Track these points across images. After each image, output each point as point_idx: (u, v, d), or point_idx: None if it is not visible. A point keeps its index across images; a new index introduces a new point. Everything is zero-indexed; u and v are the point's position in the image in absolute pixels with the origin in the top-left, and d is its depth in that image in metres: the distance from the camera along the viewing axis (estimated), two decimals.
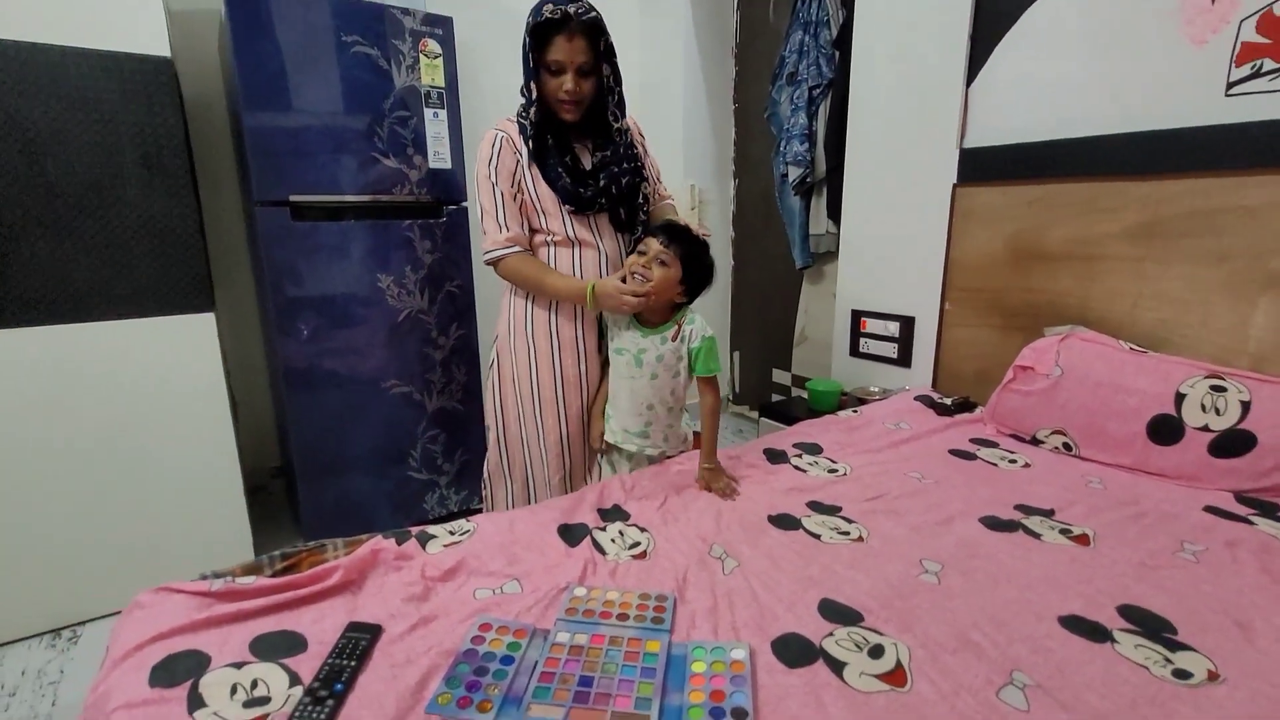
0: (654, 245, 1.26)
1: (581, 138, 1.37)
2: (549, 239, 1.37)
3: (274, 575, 0.93)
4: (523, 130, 1.32)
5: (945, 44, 1.75)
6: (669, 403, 1.37)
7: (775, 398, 2.95)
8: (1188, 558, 1.02)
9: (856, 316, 2.11)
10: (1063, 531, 1.11)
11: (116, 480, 1.55)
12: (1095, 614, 0.88)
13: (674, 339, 1.31)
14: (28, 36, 1.32)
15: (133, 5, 1.40)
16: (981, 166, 1.74)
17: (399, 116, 1.75)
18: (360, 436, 1.84)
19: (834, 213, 2.37)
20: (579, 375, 1.43)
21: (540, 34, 1.22)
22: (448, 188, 1.86)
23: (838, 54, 2.27)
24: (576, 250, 1.38)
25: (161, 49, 1.45)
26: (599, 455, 1.49)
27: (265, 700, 0.71)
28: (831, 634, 0.84)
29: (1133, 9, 1.44)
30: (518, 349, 1.42)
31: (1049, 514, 1.18)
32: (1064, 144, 1.57)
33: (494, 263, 1.36)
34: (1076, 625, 0.86)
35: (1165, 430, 1.31)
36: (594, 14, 1.23)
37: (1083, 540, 1.08)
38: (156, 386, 1.56)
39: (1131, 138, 1.46)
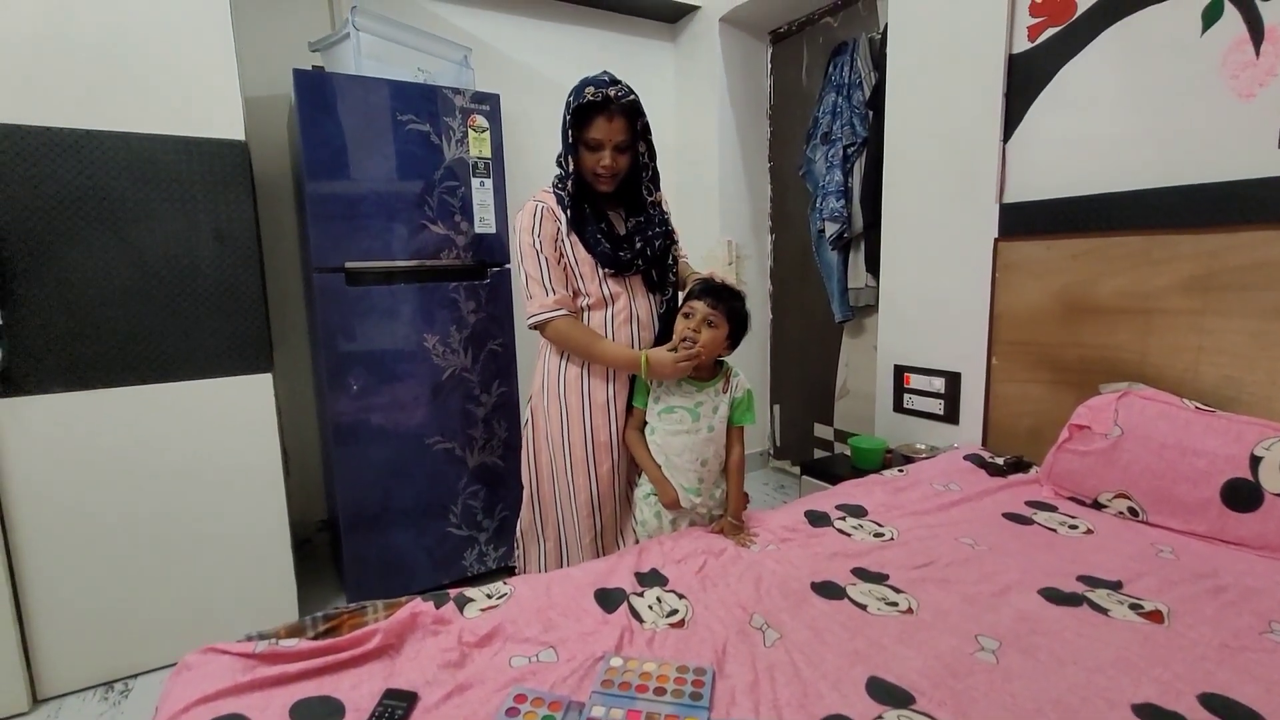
0: (701, 308, 1.30)
1: (615, 207, 1.44)
2: (585, 301, 1.41)
3: (316, 637, 0.94)
4: (560, 200, 1.38)
5: (979, 103, 1.77)
6: (721, 456, 1.40)
7: (817, 453, 2.88)
8: (1278, 639, 0.93)
9: (899, 372, 2.07)
10: (1133, 607, 1.03)
11: (171, 536, 1.61)
12: (1173, 703, 0.81)
13: (724, 390, 1.37)
14: (123, 127, 1.47)
15: (214, 96, 1.55)
16: (1023, 221, 1.72)
17: (448, 186, 1.85)
18: (404, 492, 1.87)
19: (872, 266, 2.37)
20: (610, 437, 1.43)
21: (581, 114, 1.29)
22: (492, 250, 1.94)
23: (871, 113, 2.31)
24: (609, 311, 1.41)
25: (237, 133, 1.58)
26: (633, 519, 1.48)
27: None
28: (880, 717, 0.79)
29: (1171, 66, 1.43)
30: (550, 409, 1.44)
31: (1116, 586, 1.10)
32: (1109, 198, 1.54)
33: (540, 326, 1.39)
34: (1154, 716, 0.79)
35: (1242, 496, 1.22)
36: (632, 97, 1.31)
37: (1156, 617, 1.00)
38: (215, 444, 1.63)
39: (1180, 191, 1.43)
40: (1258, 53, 1.30)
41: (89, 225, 1.46)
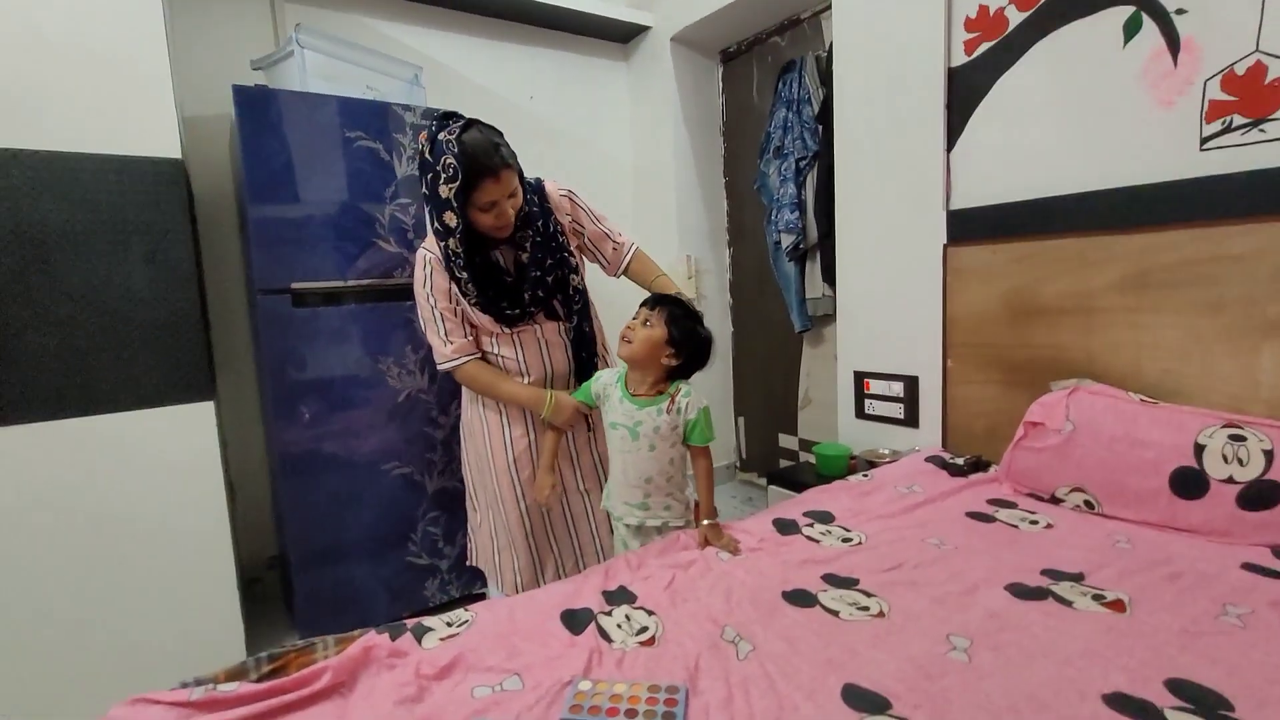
0: (641, 312, 1.35)
1: (505, 243, 1.43)
2: (491, 338, 1.48)
3: (260, 679, 0.87)
4: (446, 260, 1.37)
5: (922, 116, 1.83)
6: (668, 472, 1.36)
7: (783, 463, 2.89)
8: (1233, 622, 0.96)
9: (859, 378, 2.09)
10: (1095, 597, 1.04)
11: (106, 578, 1.50)
12: (1142, 690, 0.81)
13: (668, 411, 1.33)
14: (47, 146, 1.39)
15: (147, 114, 1.48)
16: (969, 227, 1.77)
17: (400, 204, 1.81)
18: (359, 522, 1.79)
19: (828, 276, 2.41)
20: (529, 446, 1.52)
21: (469, 181, 1.26)
22: None
23: (820, 127, 2.37)
24: (516, 339, 1.47)
25: (173, 151, 1.51)
26: (612, 528, 1.46)
27: None
28: None
29: (1097, 77, 1.50)
30: (473, 423, 1.56)
31: (1079, 578, 1.12)
32: (1046, 202, 1.61)
33: (449, 373, 1.48)
34: (1124, 704, 0.79)
35: (1189, 483, 1.26)
36: (509, 148, 1.34)
37: (1118, 606, 1.01)
38: (153, 478, 1.53)
39: (1112, 194, 1.49)
40: (1175, 62, 1.38)
41: (9, 249, 1.36)
